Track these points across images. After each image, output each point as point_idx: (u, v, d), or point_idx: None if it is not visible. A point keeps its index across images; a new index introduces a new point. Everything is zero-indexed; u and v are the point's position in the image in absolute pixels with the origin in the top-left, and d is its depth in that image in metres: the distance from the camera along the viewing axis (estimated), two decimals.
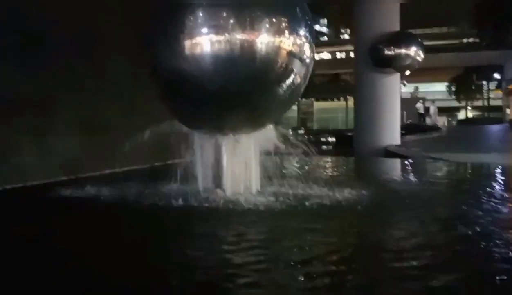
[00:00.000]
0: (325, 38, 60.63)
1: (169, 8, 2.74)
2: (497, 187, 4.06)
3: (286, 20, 2.88)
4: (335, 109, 35.05)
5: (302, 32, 3.00)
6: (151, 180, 3.65)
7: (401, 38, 11.12)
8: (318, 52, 53.15)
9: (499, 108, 40.37)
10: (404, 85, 33.77)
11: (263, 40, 2.74)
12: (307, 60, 3.09)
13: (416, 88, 44.12)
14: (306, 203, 2.88)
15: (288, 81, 3.01)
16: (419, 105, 27.19)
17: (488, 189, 3.69)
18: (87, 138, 4.80)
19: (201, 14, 2.70)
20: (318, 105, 38.53)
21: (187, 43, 2.62)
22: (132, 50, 3.21)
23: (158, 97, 3.19)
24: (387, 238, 2.18)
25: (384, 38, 11.08)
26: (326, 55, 51.93)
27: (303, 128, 22.74)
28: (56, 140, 4.48)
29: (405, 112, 31.08)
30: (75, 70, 4.71)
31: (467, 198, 3.40)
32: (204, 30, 2.65)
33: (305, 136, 18.49)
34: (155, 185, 3.51)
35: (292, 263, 1.74)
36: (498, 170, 5.36)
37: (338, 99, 37.44)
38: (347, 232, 2.33)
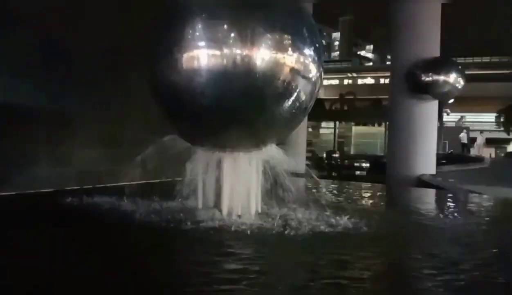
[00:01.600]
0: (371, 63, 60.20)
1: (166, 20, 2.73)
2: None
3: (289, 37, 2.80)
4: (374, 135, 34.26)
5: (307, 50, 2.91)
6: (153, 196, 3.61)
7: (440, 64, 10.69)
8: (362, 77, 52.73)
9: None
10: (448, 114, 32.61)
11: (262, 55, 2.67)
12: (313, 79, 2.99)
13: (461, 117, 42.49)
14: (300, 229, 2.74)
15: (290, 99, 2.91)
16: (463, 135, 26.06)
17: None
18: (102, 151, 4.87)
19: (199, 26, 2.66)
20: (356, 129, 37.81)
21: (180, 56, 2.59)
22: None
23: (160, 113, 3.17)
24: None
25: (422, 64, 10.71)
26: (369, 81, 51.36)
27: (338, 152, 22.31)
28: (71, 151, 4.56)
29: (447, 142, 30.05)
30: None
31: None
32: (200, 43, 2.61)
33: (339, 160, 18.16)
34: (154, 201, 3.48)
35: None
36: None
37: (379, 124, 36.60)
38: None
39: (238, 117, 2.79)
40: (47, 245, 2.22)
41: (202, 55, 2.58)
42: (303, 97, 3.00)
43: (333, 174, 15.84)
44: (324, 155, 19.98)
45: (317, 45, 3.02)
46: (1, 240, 2.33)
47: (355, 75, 53.71)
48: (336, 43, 66.89)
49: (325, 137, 37.80)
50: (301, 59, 2.89)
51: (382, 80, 44.75)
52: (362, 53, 65.89)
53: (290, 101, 2.92)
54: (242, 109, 2.75)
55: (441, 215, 3.88)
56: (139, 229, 2.70)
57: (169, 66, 2.67)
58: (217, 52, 2.57)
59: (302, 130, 16.57)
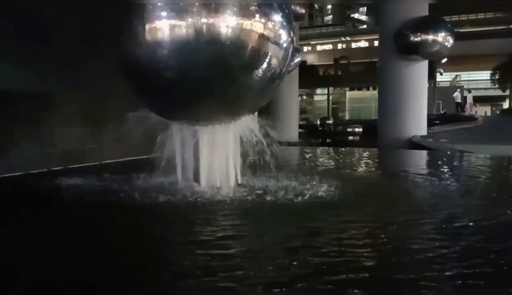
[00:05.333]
0: (364, 26, 59.28)
1: None
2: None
3: (255, 2, 2.70)
4: (368, 99, 34.10)
5: (275, 15, 2.82)
6: (131, 172, 3.58)
7: (429, 23, 10.52)
8: (355, 41, 52.08)
9: None
10: (441, 73, 32.40)
11: (227, 22, 2.58)
12: (284, 45, 2.91)
13: (456, 76, 42.27)
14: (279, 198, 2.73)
15: (261, 67, 2.83)
16: (457, 94, 25.93)
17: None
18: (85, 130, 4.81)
19: None
20: (350, 94, 37.67)
21: (141, 28, 2.50)
22: None
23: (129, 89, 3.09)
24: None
25: (410, 24, 10.54)
26: (363, 44, 50.73)
27: (332, 118, 22.25)
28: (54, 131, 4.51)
29: (441, 102, 29.96)
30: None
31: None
32: (161, 13, 2.52)
33: (332, 127, 18.13)
34: (132, 177, 3.45)
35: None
36: None
37: (374, 88, 36.46)
38: None
39: (206, 89, 2.72)
40: (28, 229, 2.20)
41: (163, 25, 2.49)
42: (275, 65, 2.91)
43: (327, 140, 15.83)
44: (318, 122, 19.92)
45: (286, 10, 2.92)
46: None
47: (348, 39, 53.07)
48: (329, 6, 65.78)
49: (320, 104, 37.70)
50: (270, 25, 2.80)
51: (376, 43, 44.25)
52: (356, 16, 64.84)
53: (260, 70, 2.83)
54: (209, 81, 2.67)
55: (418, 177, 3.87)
56: (119, 205, 2.67)
57: (131, 40, 2.58)
58: (179, 22, 2.48)
59: (294, 98, 16.49)
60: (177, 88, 2.71)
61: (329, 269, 1.54)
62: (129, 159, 4.91)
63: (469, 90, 28.60)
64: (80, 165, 4.54)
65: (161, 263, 1.69)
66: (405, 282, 1.46)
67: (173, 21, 2.50)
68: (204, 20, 2.53)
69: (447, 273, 1.52)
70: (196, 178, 3.22)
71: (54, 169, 4.29)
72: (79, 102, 4.67)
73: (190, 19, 2.52)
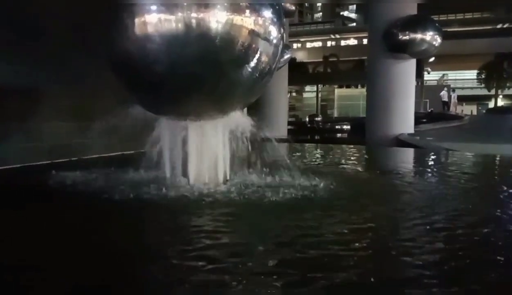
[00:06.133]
0: (354, 24, 59.52)
1: None
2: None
3: None
4: (356, 97, 34.31)
5: (266, 11, 2.83)
6: (118, 167, 3.57)
7: (417, 22, 10.61)
8: (345, 39, 52.26)
9: None
10: (428, 72, 32.73)
11: (217, 18, 2.58)
12: (274, 41, 2.92)
13: (443, 75, 42.74)
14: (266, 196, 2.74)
15: (251, 63, 2.84)
16: (444, 93, 26.22)
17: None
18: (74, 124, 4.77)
19: None
20: (339, 92, 37.83)
21: (130, 22, 2.49)
22: None
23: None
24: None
25: (399, 22, 10.63)
26: (353, 42, 50.95)
27: (320, 115, 22.34)
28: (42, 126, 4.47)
29: (428, 101, 30.28)
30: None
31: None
32: (150, 7, 2.51)
33: (321, 124, 18.22)
34: (119, 172, 3.44)
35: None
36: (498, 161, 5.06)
37: (362, 86, 36.69)
38: None
39: (195, 84, 2.71)
40: (15, 224, 2.18)
41: (153, 19, 2.48)
42: (265, 61, 2.92)
43: (316, 137, 15.90)
44: (307, 119, 20.00)
45: (276, 6, 2.93)
46: None
47: (338, 36, 53.24)
48: (319, 4, 65.86)
49: (309, 101, 37.80)
50: (260, 21, 2.80)
51: (365, 41, 44.48)
52: (345, 13, 65.05)
53: (250, 66, 2.83)
54: (199, 76, 2.67)
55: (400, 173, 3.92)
56: (107, 201, 2.66)
57: (120, 34, 2.57)
58: (169, 16, 2.47)
59: (283, 95, 16.51)
60: (167, 83, 2.70)
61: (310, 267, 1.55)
62: (117, 153, 4.89)
63: (453, 90, 28.96)
64: (67, 159, 4.51)
65: (144, 258, 1.69)
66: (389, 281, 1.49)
67: (163, 16, 2.49)
68: (194, 14, 2.53)
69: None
70: (185, 174, 3.22)
71: (41, 163, 4.25)
72: (68, 97, 4.64)
73: (180, 14, 2.51)
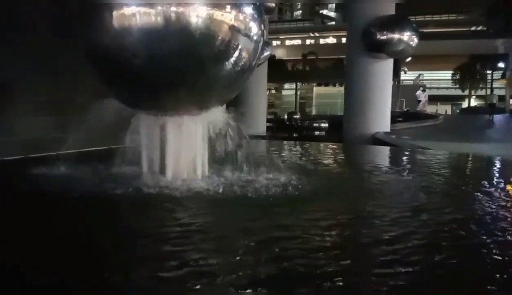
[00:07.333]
0: (333, 23, 59.92)
1: None
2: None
3: None
4: (335, 95, 34.62)
5: (246, 7, 2.83)
6: (94, 162, 3.51)
7: (395, 22, 10.79)
8: (324, 37, 52.57)
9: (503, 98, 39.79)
10: (405, 72, 33.31)
11: (197, 12, 2.56)
12: (255, 37, 2.92)
13: (419, 75, 43.57)
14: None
15: (231, 59, 2.84)
16: (419, 92, 26.76)
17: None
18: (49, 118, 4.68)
19: None
20: (318, 90, 38.13)
21: (108, 15, 2.45)
22: None
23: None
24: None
25: (377, 22, 10.78)
26: (331, 40, 51.28)
27: (299, 113, 22.47)
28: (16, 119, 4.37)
29: (404, 100, 30.85)
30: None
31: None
32: (130, 1, 2.48)
33: (299, 121, 18.34)
34: (95, 168, 3.38)
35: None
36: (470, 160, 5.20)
37: (340, 85, 37.04)
38: None
39: (174, 79, 2.70)
40: None
41: (131, 13, 2.46)
42: (245, 57, 2.92)
43: (294, 135, 15.99)
44: (286, 117, 20.09)
45: (257, 2, 2.93)
46: None
47: (317, 34, 53.49)
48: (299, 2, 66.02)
49: (288, 98, 37.96)
50: (241, 16, 2.80)
51: (344, 40, 44.83)
52: (325, 12, 65.38)
53: (230, 61, 2.83)
54: (178, 71, 2.65)
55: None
56: (84, 197, 2.61)
57: (98, 27, 2.53)
58: (148, 9, 2.45)
59: (262, 92, 16.54)
60: (145, 77, 2.68)
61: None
62: (94, 149, 4.80)
63: (424, 89, 29.53)
64: (42, 154, 4.41)
65: (121, 255, 1.68)
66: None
67: (142, 9, 2.46)
68: (174, 8, 2.52)
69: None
70: (162, 170, 3.19)
71: (15, 157, 4.16)
72: (44, 90, 4.54)
73: (159, 7, 2.49)
